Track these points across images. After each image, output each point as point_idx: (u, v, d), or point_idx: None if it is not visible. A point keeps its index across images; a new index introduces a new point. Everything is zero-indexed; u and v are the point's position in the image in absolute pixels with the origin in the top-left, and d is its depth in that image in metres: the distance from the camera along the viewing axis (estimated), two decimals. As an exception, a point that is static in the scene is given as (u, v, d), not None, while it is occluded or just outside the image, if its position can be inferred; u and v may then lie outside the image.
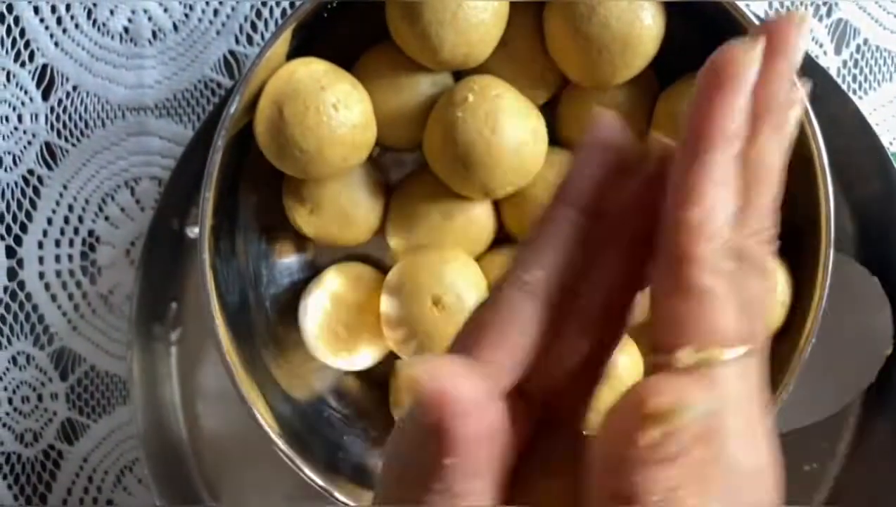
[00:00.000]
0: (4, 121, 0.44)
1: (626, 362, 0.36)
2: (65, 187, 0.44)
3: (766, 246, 0.19)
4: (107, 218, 0.44)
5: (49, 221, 0.45)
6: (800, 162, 0.36)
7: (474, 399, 0.18)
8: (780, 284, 0.36)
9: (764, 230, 0.19)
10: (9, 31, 0.44)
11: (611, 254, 0.20)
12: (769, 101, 0.19)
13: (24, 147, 0.44)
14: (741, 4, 0.35)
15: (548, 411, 0.20)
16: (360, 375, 0.42)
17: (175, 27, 0.43)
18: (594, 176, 0.20)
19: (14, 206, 0.45)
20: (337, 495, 0.37)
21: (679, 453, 0.17)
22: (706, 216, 0.18)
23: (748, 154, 0.19)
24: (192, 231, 0.42)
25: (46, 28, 0.44)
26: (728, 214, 0.18)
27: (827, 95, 0.40)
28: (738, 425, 0.18)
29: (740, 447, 0.18)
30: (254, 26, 0.43)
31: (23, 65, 0.44)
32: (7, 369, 0.45)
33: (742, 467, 0.18)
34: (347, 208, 0.39)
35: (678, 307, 0.18)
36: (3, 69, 0.44)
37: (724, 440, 0.18)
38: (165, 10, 0.43)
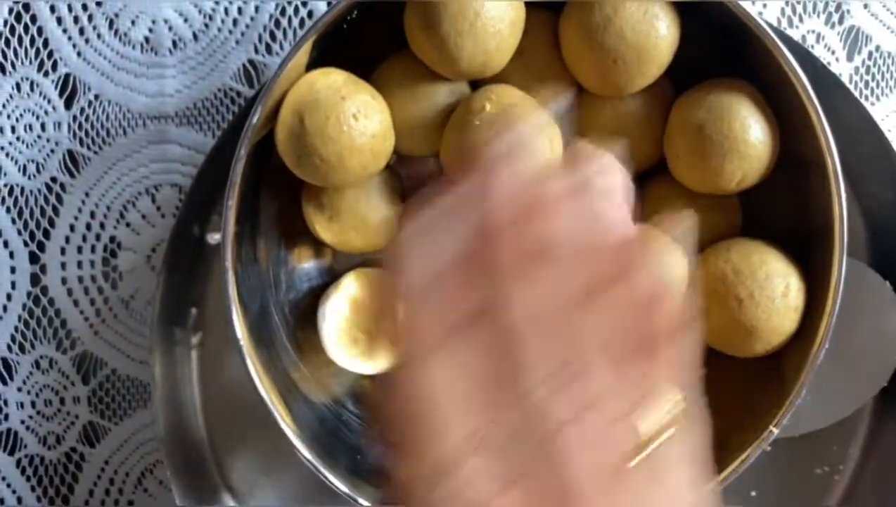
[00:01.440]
0: (28, 129, 0.45)
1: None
2: (87, 194, 0.45)
3: None
4: (128, 224, 0.45)
5: (71, 228, 0.45)
6: (812, 168, 0.36)
7: None
8: (793, 289, 0.36)
9: None
10: (32, 41, 0.45)
11: None
12: None
13: (48, 155, 0.45)
14: (753, 13, 0.35)
15: None
16: (377, 378, 0.42)
17: (195, 37, 0.44)
18: None
19: (37, 212, 0.46)
20: (356, 496, 0.38)
21: None
22: None
23: None
24: (213, 237, 0.42)
25: (69, 38, 0.45)
26: None
27: (839, 102, 0.40)
28: None
29: None
30: (273, 36, 0.44)
31: (46, 74, 0.45)
32: (30, 373, 0.46)
33: None
34: (365, 215, 0.39)
35: None
36: (27, 79, 0.45)
37: None
38: (185, 21, 0.44)
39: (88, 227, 0.45)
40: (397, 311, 0.20)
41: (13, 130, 0.45)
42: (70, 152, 0.45)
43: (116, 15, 0.44)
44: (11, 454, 0.46)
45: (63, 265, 0.46)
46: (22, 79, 0.45)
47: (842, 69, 0.44)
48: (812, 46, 0.44)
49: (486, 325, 0.20)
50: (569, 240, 0.20)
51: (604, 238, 0.21)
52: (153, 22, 0.44)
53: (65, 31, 0.45)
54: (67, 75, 0.45)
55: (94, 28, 0.44)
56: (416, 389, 0.20)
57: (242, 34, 0.44)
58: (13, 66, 0.45)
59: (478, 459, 0.19)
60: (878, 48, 0.44)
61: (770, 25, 0.35)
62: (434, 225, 0.21)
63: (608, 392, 0.20)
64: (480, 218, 0.21)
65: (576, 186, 0.21)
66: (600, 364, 0.20)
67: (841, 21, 0.44)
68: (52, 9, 0.44)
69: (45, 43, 0.45)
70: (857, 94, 0.42)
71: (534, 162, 0.21)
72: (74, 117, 0.45)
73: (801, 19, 0.44)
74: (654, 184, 0.40)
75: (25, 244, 0.46)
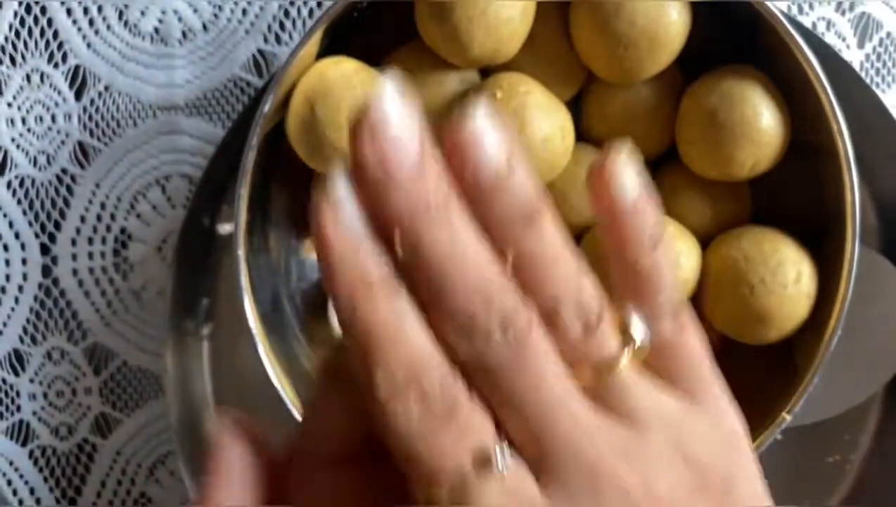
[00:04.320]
0: (38, 121, 0.45)
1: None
2: (97, 186, 0.45)
3: None
4: (138, 216, 0.45)
5: (82, 219, 0.46)
6: (824, 156, 0.36)
7: None
8: (805, 276, 0.36)
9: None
10: (42, 32, 0.45)
11: None
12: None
13: (58, 147, 0.45)
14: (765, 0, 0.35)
15: None
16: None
17: (205, 27, 0.44)
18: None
19: (48, 204, 0.46)
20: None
21: None
22: None
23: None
24: (224, 228, 0.43)
25: (79, 29, 0.45)
26: None
27: (850, 89, 0.40)
28: None
29: None
30: (282, 25, 0.44)
31: (56, 66, 0.45)
32: (42, 365, 0.46)
33: None
34: (376, 205, 0.39)
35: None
36: (37, 70, 0.45)
37: None
38: (195, 11, 0.44)
39: (99, 218, 0.45)
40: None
41: (23, 121, 0.45)
42: (80, 144, 0.45)
43: (126, 6, 0.44)
44: (24, 444, 0.47)
45: (74, 256, 0.46)
46: (32, 70, 0.45)
47: (853, 56, 0.44)
48: (823, 33, 0.44)
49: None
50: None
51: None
52: (163, 12, 0.44)
53: (74, 22, 0.45)
54: (77, 67, 0.45)
55: (104, 19, 0.44)
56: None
57: (252, 24, 0.44)
58: (23, 57, 0.45)
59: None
60: (889, 35, 0.44)
61: (781, 12, 0.35)
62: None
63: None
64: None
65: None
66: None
67: (852, 8, 0.44)
68: (62, 0, 0.45)
69: (55, 34, 0.45)
70: (868, 81, 0.42)
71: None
72: (84, 108, 0.45)
73: (811, 6, 0.44)
74: (664, 171, 0.40)
75: (36, 236, 0.46)
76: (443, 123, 0.20)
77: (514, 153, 0.19)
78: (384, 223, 0.19)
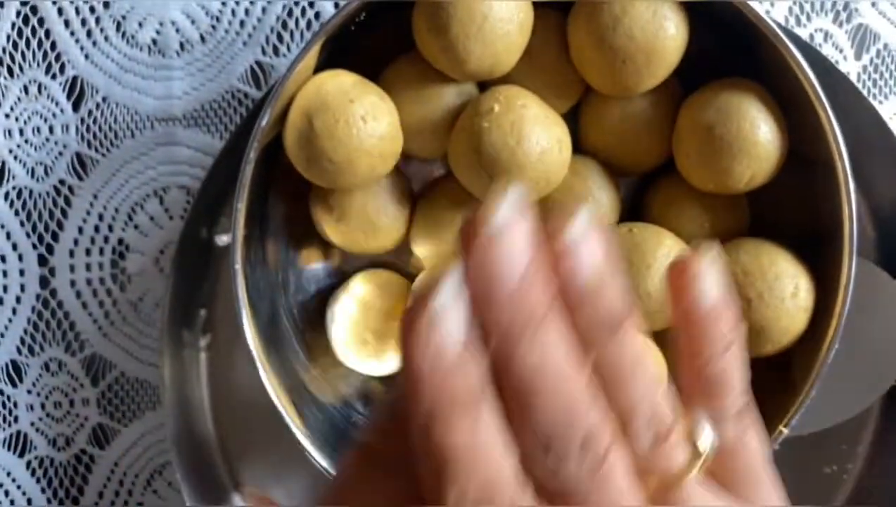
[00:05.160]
0: (36, 132, 0.45)
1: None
2: (95, 197, 0.45)
3: None
4: (136, 227, 0.45)
5: (80, 230, 0.46)
6: (822, 168, 0.36)
7: None
8: (802, 290, 0.36)
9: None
10: (40, 43, 0.45)
11: None
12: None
13: (56, 158, 0.45)
14: (761, 11, 0.35)
15: None
16: (386, 380, 0.42)
17: (202, 39, 0.44)
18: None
19: (46, 215, 0.46)
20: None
21: None
22: None
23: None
24: (221, 239, 0.43)
25: (77, 41, 0.45)
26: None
27: (847, 101, 0.40)
28: None
29: None
30: (280, 38, 0.44)
31: (53, 77, 0.45)
32: (40, 376, 0.46)
33: None
34: (373, 217, 0.39)
35: None
36: (35, 81, 0.45)
37: None
38: (193, 23, 0.44)
39: (97, 229, 0.45)
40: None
41: (21, 132, 0.45)
42: (78, 155, 0.45)
43: (124, 17, 0.44)
44: (21, 455, 0.46)
45: (72, 268, 0.46)
46: (30, 81, 0.45)
47: (850, 68, 0.44)
48: (820, 45, 0.44)
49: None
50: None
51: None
52: (160, 24, 0.44)
53: (72, 33, 0.45)
54: (75, 78, 0.45)
55: (102, 30, 0.44)
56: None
57: (250, 36, 0.44)
58: (21, 68, 0.45)
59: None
60: (886, 46, 0.44)
61: (778, 24, 0.35)
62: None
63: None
64: None
65: None
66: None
67: (849, 19, 0.44)
68: (60, 11, 0.45)
69: (53, 45, 0.45)
70: (864, 92, 0.42)
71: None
72: (82, 120, 0.45)
73: (808, 18, 0.44)
74: (662, 184, 0.40)
75: (34, 247, 0.46)
76: (545, 222, 0.20)
77: (610, 262, 0.20)
78: (483, 327, 0.19)
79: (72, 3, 0.44)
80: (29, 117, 0.45)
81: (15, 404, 0.46)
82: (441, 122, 0.38)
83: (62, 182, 0.45)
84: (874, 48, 0.44)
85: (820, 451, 0.43)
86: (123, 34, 0.44)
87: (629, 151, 0.39)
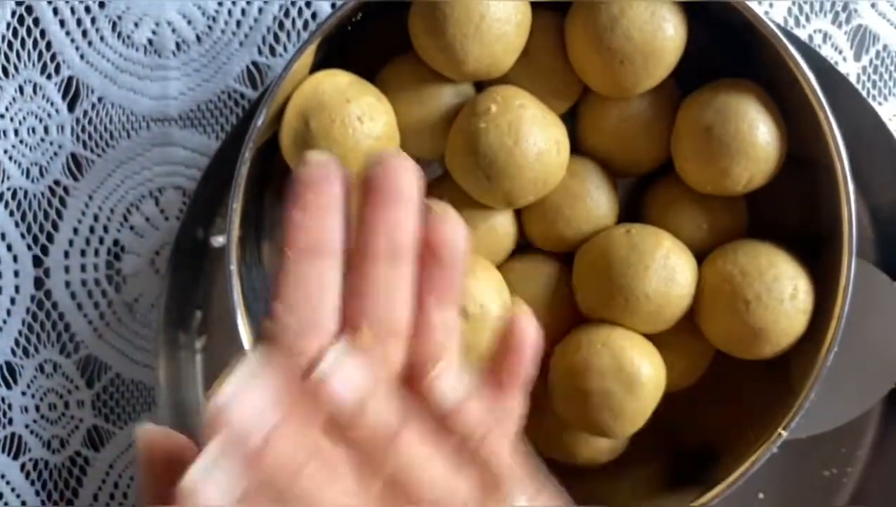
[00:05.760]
0: (31, 132, 0.45)
1: (649, 371, 0.37)
2: (90, 198, 0.45)
3: None
4: (132, 228, 0.45)
5: (75, 231, 0.45)
6: (821, 169, 0.36)
7: None
8: (801, 292, 0.36)
9: None
10: (35, 44, 0.45)
11: None
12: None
13: (51, 158, 0.45)
14: (760, 12, 0.35)
15: None
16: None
17: (198, 39, 0.44)
18: None
19: (41, 216, 0.45)
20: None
21: None
22: None
23: None
24: (217, 240, 0.42)
25: (72, 41, 0.44)
26: None
27: (846, 102, 0.40)
28: None
29: None
30: (276, 38, 0.44)
31: (49, 77, 0.45)
32: (34, 377, 0.46)
33: None
34: (370, 218, 0.39)
35: None
36: (30, 81, 0.45)
37: None
38: (189, 23, 0.44)
39: (92, 230, 0.45)
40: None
41: (16, 133, 0.45)
42: (73, 155, 0.45)
43: (119, 17, 0.44)
44: (16, 457, 0.46)
45: (67, 269, 0.46)
46: (25, 82, 0.45)
47: (849, 69, 0.44)
48: (819, 46, 0.44)
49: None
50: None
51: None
52: (156, 24, 0.44)
53: (68, 33, 0.44)
54: (70, 78, 0.45)
55: (97, 30, 0.44)
56: None
57: (246, 36, 0.44)
58: (16, 68, 0.45)
59: None
60: (885, 48, 0.44)
61: (777, 25, 0.35)
62: None
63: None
64: None
65: None
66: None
67: (848, 20, 0.43)
68: (55, 11, 0.44)
69: (48, 45, 0.45)
70: (864, 93, 0.42)
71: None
72: (77, 120, 0.45)
73: (808, 19, 0.44)
74: (660, 186, 0.40)
75: (29, 248, 0.46)
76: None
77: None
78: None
79: (67, 2, 0.44)
80: (24, 118, 0.45)
81: (9, 406, 0.46)
82: (438, 122, 0.38)
83: (57, 183, 0.45)
84: (874, 49, 0.44)
85: (819, 454, 0.43)
86: (119, 34, 0.44)
87: (627, 152, 0.39)
